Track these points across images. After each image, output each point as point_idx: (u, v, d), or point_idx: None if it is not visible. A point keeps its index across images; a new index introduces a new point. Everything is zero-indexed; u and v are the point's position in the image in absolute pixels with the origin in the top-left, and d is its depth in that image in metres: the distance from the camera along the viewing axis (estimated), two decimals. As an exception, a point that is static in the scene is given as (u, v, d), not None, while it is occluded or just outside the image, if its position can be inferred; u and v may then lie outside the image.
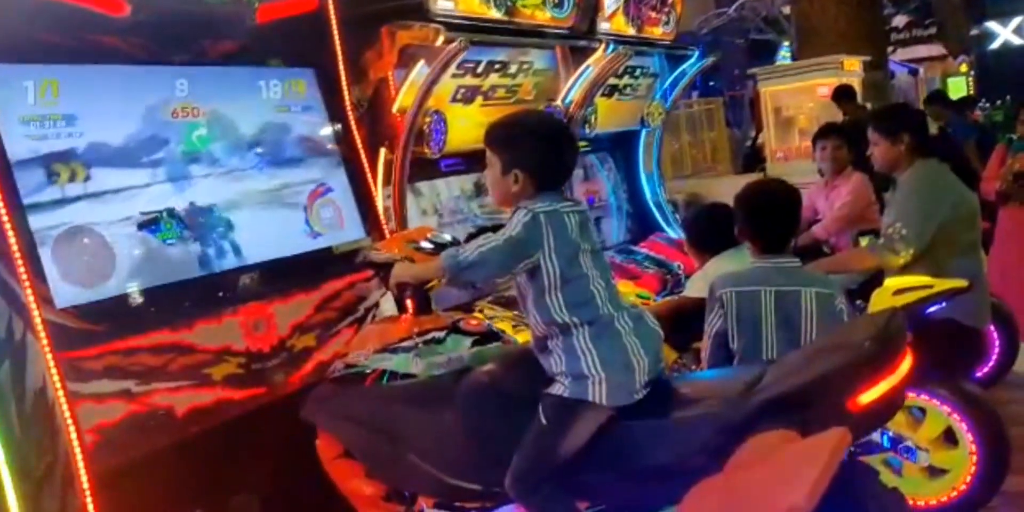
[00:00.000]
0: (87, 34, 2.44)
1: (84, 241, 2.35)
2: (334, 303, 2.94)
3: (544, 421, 2.03)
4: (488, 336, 2.43)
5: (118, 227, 2.43)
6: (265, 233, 2.85)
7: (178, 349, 2.45)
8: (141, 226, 2.49)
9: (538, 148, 2.11)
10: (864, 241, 3.79)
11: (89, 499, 2.13)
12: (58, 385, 2.13)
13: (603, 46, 4.18)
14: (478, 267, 2.09)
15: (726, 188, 8.18)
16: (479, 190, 4.43)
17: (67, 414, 2.14)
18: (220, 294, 2.64)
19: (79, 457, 2.13)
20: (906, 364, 1.90)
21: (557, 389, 2.05)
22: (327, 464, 2.44)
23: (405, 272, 2.36)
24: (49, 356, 2.13)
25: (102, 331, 2.29)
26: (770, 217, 2.50)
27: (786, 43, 15.98)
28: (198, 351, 2.50)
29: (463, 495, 2.21)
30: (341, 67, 3.16)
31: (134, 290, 2.42)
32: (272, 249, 2.85)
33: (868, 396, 1.83)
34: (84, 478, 2.13)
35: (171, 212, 2.58)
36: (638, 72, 4.87)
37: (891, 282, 3.05)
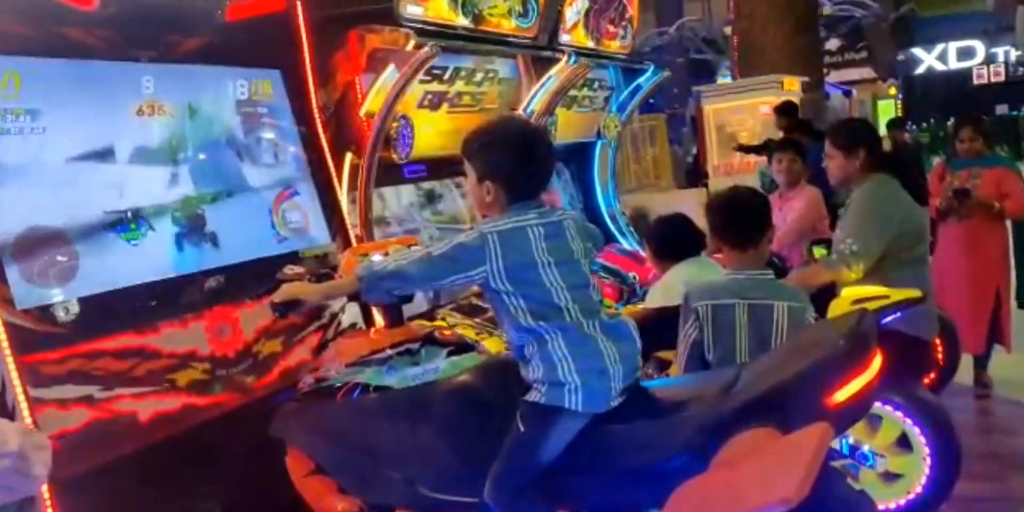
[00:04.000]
0: (53, 26, 2.36)
1: (46, 241, 2.27)
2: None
3: (522, 428, 2.03)
4: (463, 347, 2.41)
5: (81, 226, 2.35)
6: (231, 236, 2.78)
7: (143, 354, 2.39)
8: (105, 226, 2.41)
9: (508, 159, 2.08)
10: (817, 250, 3.88)
11: (49, 509, 2.05)
12: (19, 390, 2.05)
13: (566, 57, 4.22)
14: (395, 278, 2.10)
15: (669, 202, 8.37)
16: (431, 198, 4.42)
17: (28, 420, 2.05)
18: (185, 297, 2.57)
19: (40, 465, 2.04)
20: (877, 361, 1.95)
21: (534, 396, 2.04)
22: (298, 482, 2.38)
23: (298, 291, 2.26)
24: (10, 359, 2.05)
25: (64, 334, 2.22)
26: (741, 218, 2.54)
27: (726, 63, 16.42)
28: (163, 356, 2.44)
29: (441, 507, 2.18)
30: (308, 69, 3.12)
31: (97, 292, 2.33)
32: (238, 252, 2.79)
33: (843, 393, 1.88)
34: (44, 486, 2.03)
35: (136, 212, 2.51)
36: (596, 84, 4.94)
37: (848, 292, 3.13)
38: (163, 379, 2.41)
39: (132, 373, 2.34)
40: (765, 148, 6.77)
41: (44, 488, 2.04)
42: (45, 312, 2.19)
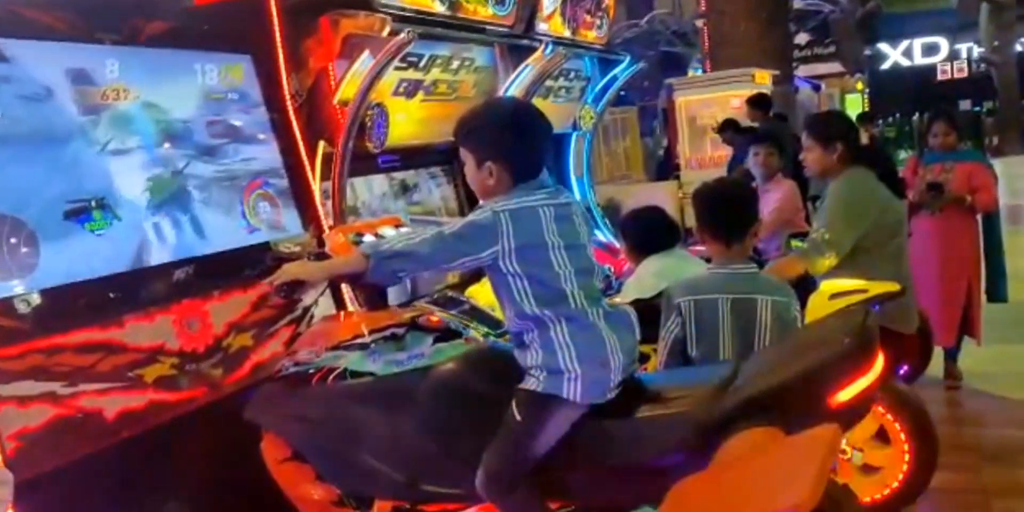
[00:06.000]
0: (10, 6, 2.25)
1: (5, 230, 2.15)
2: (271, 301, 2.79)
3: (517, 417, 1.97)
4: (450, 333, 2.34)
5: (43, 215, 2.24)
6: (200, 226, 2.69)
7: (107, 348, 2.28)
8: (68, 215, 2.30)
9: (505, 138, 2.03)
10: (795, 244, 3.88)
11: (10, 510, 1.95)
12: (-24, 387, 1.95)
13: (543, 46, 4.16)
14: (405, 258, 2.03)
15: (640, 195, 8.37)
16: (405, 189, 4.34)
17: (-14, 418, 1.95)
18: (152, 290, 2.47)
19: (-1, 465, 1.96)
20: (880, 361, 1.92)
21: (531, 384, 1.99)
22: (273, 467, 2.31)
23: (300, 270, 2.18)
24: (-34, 355, 1.95)
25: (24, 328, 2.11)
26: (727, 212, 2.49)
27: (697, 56, 16.47)
28: (129, 350, 2.34)
29: (424, 498, 2.12)
30: (280, 55, 3.03)
31: (59, 284, 2.23)
32: (207, 243, 2.69)
33: (847, 393, 1.84)
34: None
35: (100, 201, 2.40)
36: (572, 74, 4.88)
37: (826, 286, 3.10)
38: (129, 375, 2.31)
39: (96, 369, 2.24)
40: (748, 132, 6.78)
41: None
42: (4, 305, 2.09)
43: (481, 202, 2.10)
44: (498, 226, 1.95)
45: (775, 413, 1.83)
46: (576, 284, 2.00)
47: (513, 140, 2.03)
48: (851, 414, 1.94)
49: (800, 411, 1.83)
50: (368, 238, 2.75)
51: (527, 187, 2.04)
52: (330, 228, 3.10)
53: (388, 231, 2.77)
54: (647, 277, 3.27)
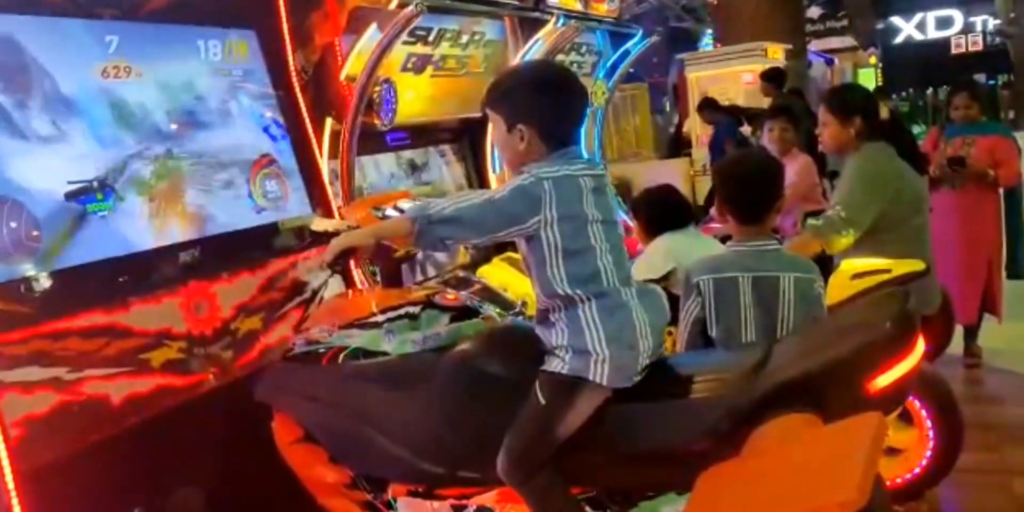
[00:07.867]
0: (7, -21, 2.18)
1: (5, 212, 2.09)
2: (280, 283, 2.75)
3: (541, 400, 1.90)
4: (467, 312, 2.26)
5: (44, 197, 2.18)
6: (205, 207, 2.62)
7: (113, 332, 2.23)
8: (69, 196, 2.24)
9: (537, 97, 1.93)
10: (811, 222, 3.79)
11: (15, 499, 1.92)
12: (-21, 373, 1.90)
13: (554, 19, 4.06)
14: (452, 224, 1.90)
15: (651, 173, 8.25)
16: (414, 168, 4.27)
17: (-11, 405, 1.91)
18: (158, 272, 2.41)
19: (3, 453, 1.91)
20: (920, 346, 1.84)
21: (555, 365, 1.91)
22: (284, 449, 2.25)
23: (350, 239, 2.06)
24: (-33, 340, 1.90)
25: (27, 312, 2.05)
26: (753, 188, 2.38)
27: (707, 31, 16.25)
28: (135, 334, 2.28)
29: (441, 481, 2.06)
30: (285, 29, 2.96)
31: (63, 268, 2.17)
32: (213, 224, 2.63)
33: (886, 379, 1.76)
34: (9, 476, 1.91)
35: (102, 181, 2.34)
36: (583, 49, 4.78)
37: (847, 266, 3.03)
38: (136, 359, 2.26)
39: (102, 353, 2.19)
40: (756, 116, 6.68)
41: (9, 479, 1.91)
42: (6, 289, 2.03)
43: (512, 171, 2.00)
44: (542, 193, 1.86)
45: (811, 399, 1.75)
46: (610, 261, 1.91)
47: (546, 101, 1.93)
48: (890, 401, 1.84)
49: (837, 397, 1.75)
50: (390, 212, 2.67)
51: (566, 155, 1.94)
52: (338, 209, 3.04)
53: (404, 204, 2.70)
54: (656, 256, 3.20)
